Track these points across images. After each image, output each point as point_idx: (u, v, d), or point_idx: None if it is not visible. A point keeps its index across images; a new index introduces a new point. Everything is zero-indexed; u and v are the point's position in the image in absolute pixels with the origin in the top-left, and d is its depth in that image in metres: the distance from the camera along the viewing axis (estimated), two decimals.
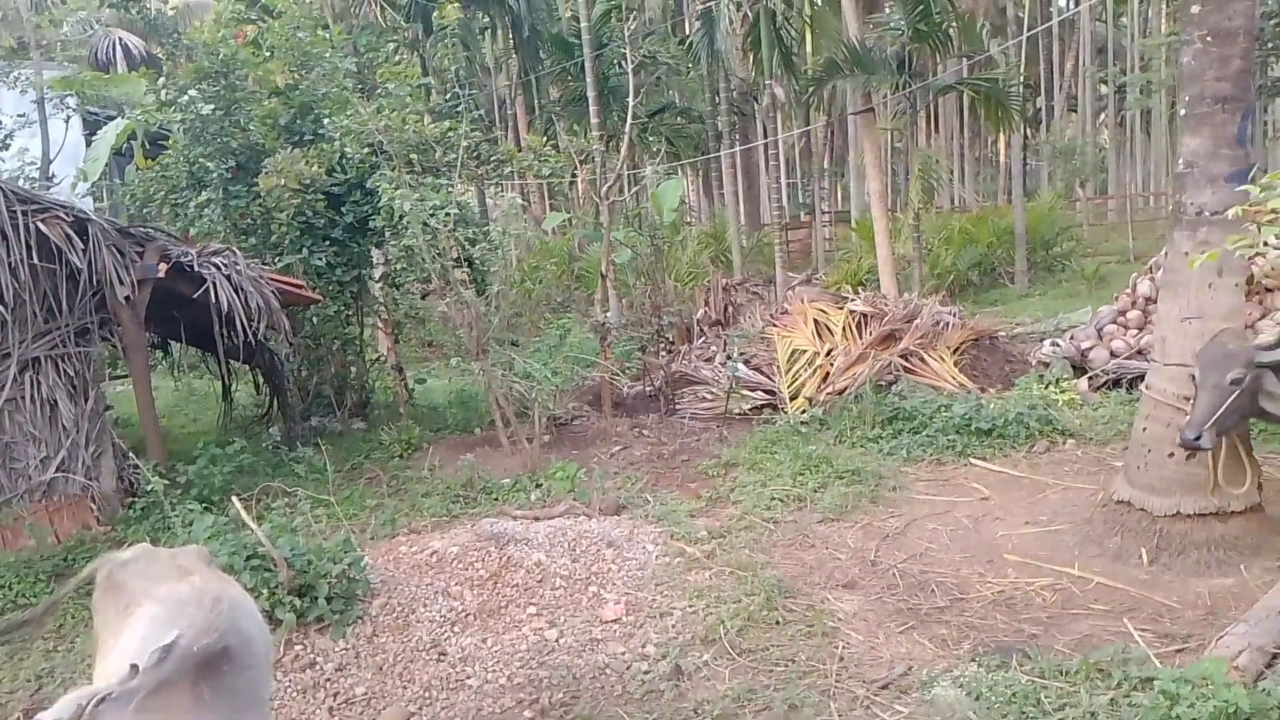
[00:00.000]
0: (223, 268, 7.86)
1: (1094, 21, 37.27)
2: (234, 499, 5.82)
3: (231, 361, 10.62)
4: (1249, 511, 5.59)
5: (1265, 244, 7.79)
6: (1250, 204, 3.49)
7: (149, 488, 6.61)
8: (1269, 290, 9.59)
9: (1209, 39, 5.49)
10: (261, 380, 10.95)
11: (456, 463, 8.21)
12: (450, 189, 9.11)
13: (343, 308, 10.37)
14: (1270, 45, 17.67)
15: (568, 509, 7.02)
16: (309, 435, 9.64)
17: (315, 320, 10.17)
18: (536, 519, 6.80)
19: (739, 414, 10.12)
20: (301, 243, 9.74)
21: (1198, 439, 5.14)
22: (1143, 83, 26.39)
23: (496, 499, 7.62)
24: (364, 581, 5.55)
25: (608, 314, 11.89)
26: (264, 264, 8.96)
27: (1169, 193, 6.08)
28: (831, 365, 10.18)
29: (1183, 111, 5.71)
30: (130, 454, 7.80)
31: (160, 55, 19.05)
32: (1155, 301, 9.30)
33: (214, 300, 7.65)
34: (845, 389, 9.68)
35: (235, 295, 7.73)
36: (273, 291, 8.07)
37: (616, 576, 5.88)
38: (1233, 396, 5.11)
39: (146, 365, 8.64)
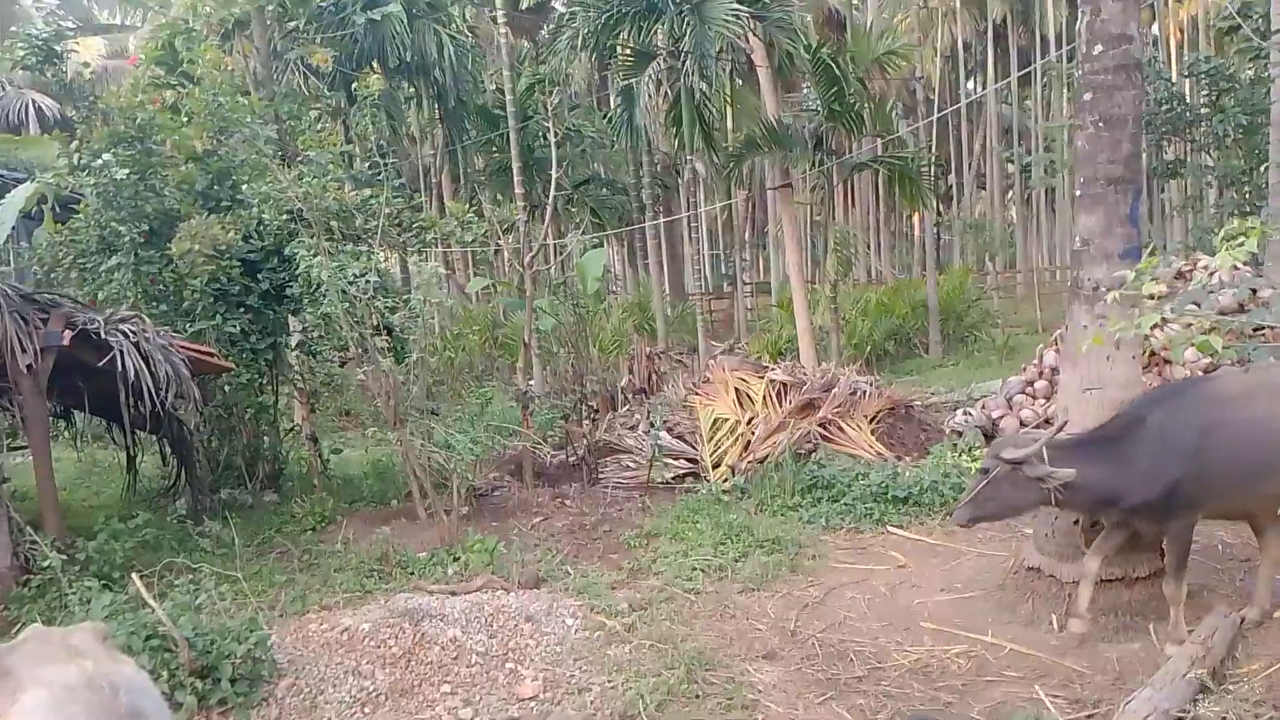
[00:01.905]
0: (130, 335, 7.62)
1: (1000, 104, 39.17)
2: (134, 576, 5.58)
3: (138, 432, 10.26)
4: (1153, 576, 5.76)
5: (1162, 319, 8.15)
6: (1129, 291, 3.67)
7: (45, 564, 6.30)
8: (1167, 362, 10.02)
9: (1100, 125, 5.81)
10: (169, 451, 10.57)
11: (371, 536, 8.00)
12: (371, 256, 9.04)
13: (256, 376, 10.13)
14: (1163, 129, 18.75)
15: (486, 583, 6.88)
16: (218, 508, 9.31)
17: (227, 389, 9.90)
18: (453, 594, 6.65)
19: (662, 483, 10.11)
20: (214, 309, 9.52)
21: (961, 517, 5.50)
22: (1046, 162, 27.66)
23: (412, 573, 7.43)
24: (270, 661, 5.34)
25: (530, 382, 11.85)
26: (175, 331, 8.73)
27: (1071, 269, 6.34)
28: (753, 434, 10.28)
29: (1078, 192, 6.00)
30: (27, 529, 7.42)
31: (75, 118, 18.68)
32: (1059, 372, 9.63)
33: (120, 369, 7.41)
34: (766, 457, 9.77)
35: (143, 363, 7.49)
36: (183, 359, 7.84)
37: (534, 652, 5.77)
38: (982, 483, 5.37)
39: (47, 436, 8.28)
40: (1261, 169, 15.65)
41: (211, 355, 8.76)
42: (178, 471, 10.33)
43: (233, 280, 9.53)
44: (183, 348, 8.07)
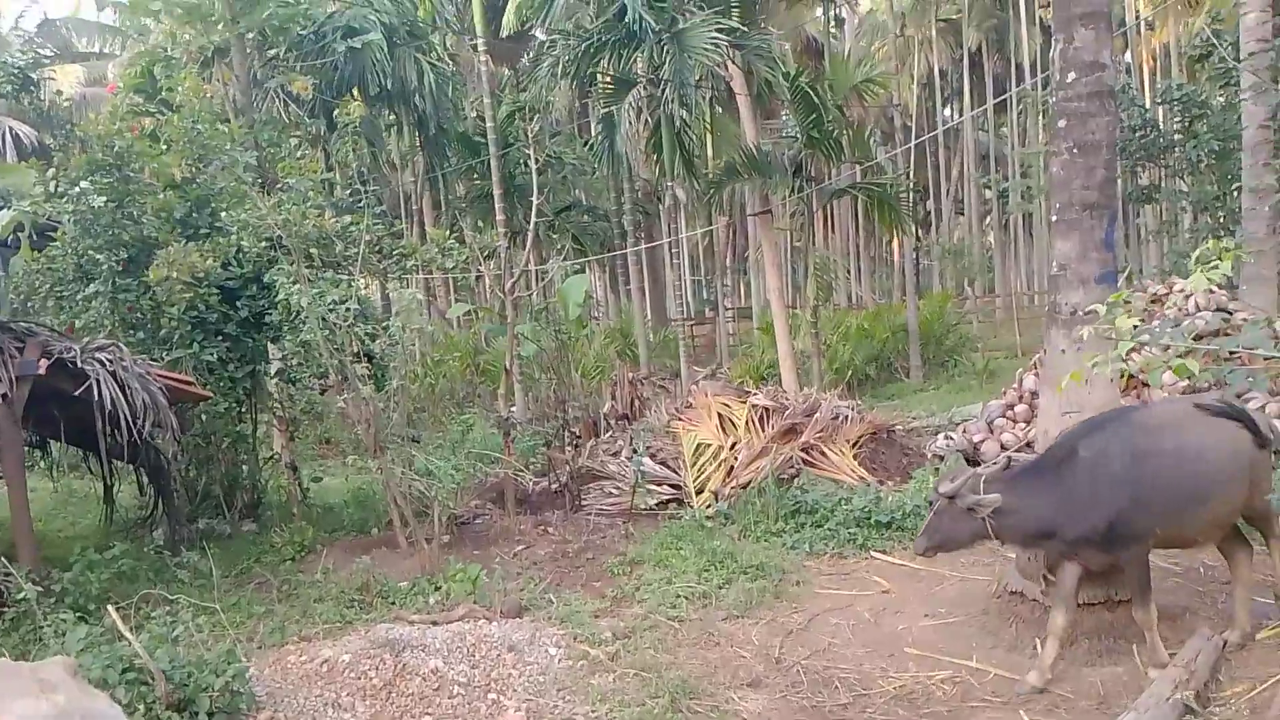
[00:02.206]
0: (107, 363, 7.54)
1: (977, 131, 39.61)
2: (110, 608, 5.49)
3: (115, 461, 10.14)
4: None
5: (1139, 345, 8.22)
6: (1104, 323, 3.70)
7: (20, 596, 6.19)
8: (1145, 385, 10.10)
9: (1075, 151, 5.89)
10: (146, 481, 10.45)
11: (352, 565, 7.91)
12: (351, 283, 9.01)
13: (235, 404, 10.06)
14: (1137, 155, 18.99)
15: (467, 612, 6.81)
16: (195, 538, 9.18)
17: (205, 417, 9.82)
18: (434, 623, 6.58)
19: (645, 509, 10.07)
20: (192, 337, 9.46)
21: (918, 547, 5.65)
22: (1023, 188, 27.94)
23: (393, 603, 7.35)
24: (248, 694, 5.25)
25: (512, 409, 11.81)
26: (152, 359, 8.66)
27: (1048, 293, 6.39)
28: (735, 459, 10.26)
29: (1054, 217, 6.07)
30: (1, 560, 7.30)
31: (53, 146, 18.61)
32: (1039, 396, 9.69)
33: (97, 397, 7.33)
34: (749, 483, 9.75)
35: (120, 392, 7.42)
36: (160, 388, 7.76)
37: (517, 682, 5.71)
38: (931, 515, 5.56)
39: (22, 466, 8.18)
40: (1234, 193, 15.85)
41: (189, 384, 8.69)
42: (155, 501, 10.21)
43: (211, 308, 9.49)
44: (160, 376, 8.00)
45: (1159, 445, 5.30)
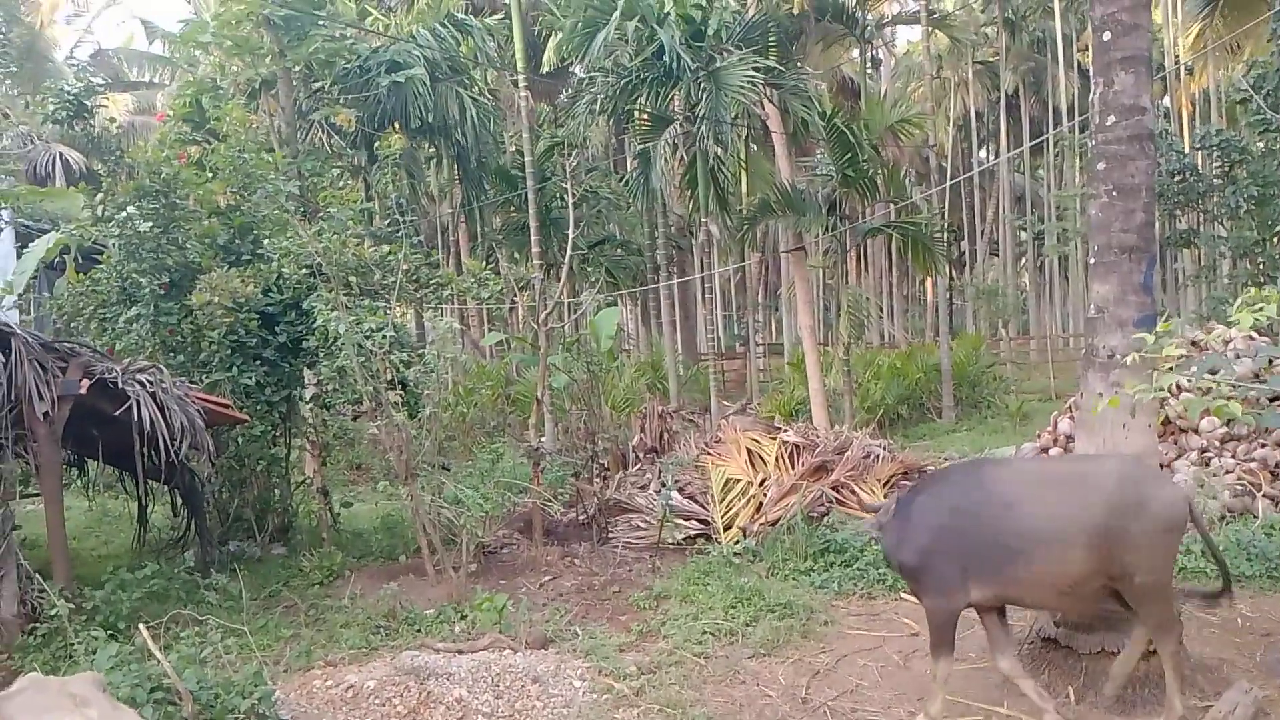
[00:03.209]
0: (147, 385, 7.69)
1: (1012, 173, 39.53)
2: (141, 627, 5.55)
3: (150, 482, 10.28)
4: None
5: (1177, 386, 8.12)
6: (1148, 352, 3.67)
7: (53, 613, 6.28)
8: (1183, 431, 9.96)
9: (1114, 193, 5.86)
10: (180, 502, 10.57)
11: (379, 592, 7.94)
12: (388, 311, 9.13)
13: (270, 428, 10.17)
14: (1176, 200, 18.88)
15: (493, 642, 6.81)
16: (226, 560, 9.27)
17: (240, 440, 9.94)
18: (460, 652, 6.58)
19: (672, 544, 10.03)
20: (231, 361, 9.61)
21: None
22: (1059, 230, 27.82)
23: (419, 630, 7.37)
24: (274, 717, 5.27)
25: (542, 439, 11.83)
26: (191, 382, 8.80)
27: (1085, 336, 6.35)
28: (764, 495, 10.20)
29: (1092, 260, 6.02)
30: (36, 576, 7.41)
31: (101, 172, 19.07)
32: (1074, 439, 9.58)
33: (136, 418, 7.45)
34: (778, 520, 9.68)
35: (159, 413, 7.54)
36: (198, 410, 7.89)
37: (541, 714, 5.69)
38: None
39: (60, 485, 8.32)
40: (1275, 240, 15.72)
41: (227, 406, 8.82)
42: (187, 523, 10.31)
43: (250, 332, 9.64)
44: (199, 398, 8.13)
45: (982, 500, 5.27)
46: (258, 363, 9.82)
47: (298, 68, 16.46)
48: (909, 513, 5.45)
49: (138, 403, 7.48)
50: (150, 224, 9.66)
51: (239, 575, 7.95)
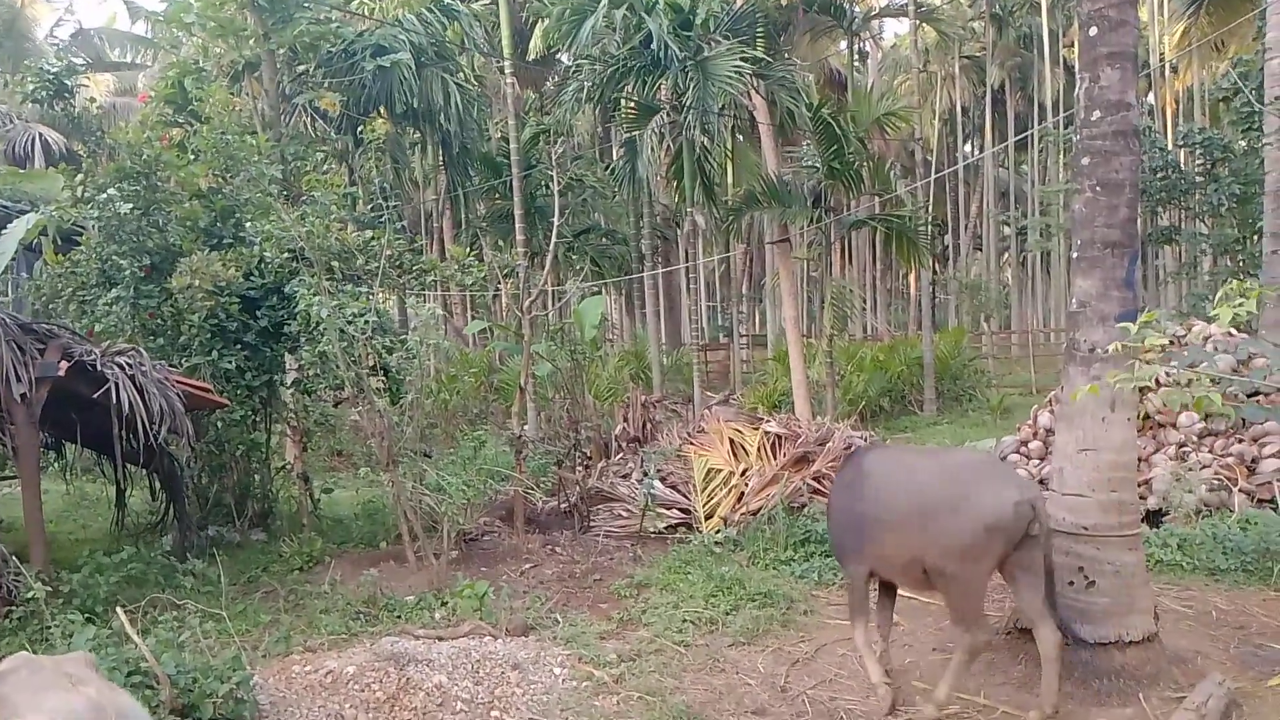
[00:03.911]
0: (126, 368, 7.61)
1: (997, 168, 39.67)
2: (118, 610, 5.51)
3: (128, 466, 10.21)
4: (1146, 641, 5.71)
5: (1156, 381, 8.18)
6: (1130, 343, 3.69)
7: (29, 596, 6.23)
8: (1161, 426, 10.05)
9: (1098, 189, 5.89)
10: (158, 486, 10.50)
11: (359, 578, 7.91)
12: (370, 297, 9.07)
13: (250, 413, 10.11)
14: (1158, 197, 19.01)
15: (473, 629, 6.81)
16: (205, 545, 9.23)
17: (220, 425, 9.88)
18: (440, 639, 6.57)
19: (654, 533, 10.05)
20: (212, 345, 9.54)
21: None
22: (1042, 226, 27.98)
23: (399, 617, 7.35)
24: (252, 702, 5.25)
25: (525, 427, 11.81)
26: (171, 365, 8.73)
27: (1067, 330, 6.40)
28: (746, 485, 10.23)
29: (1075, 255, 6.05)
30: (12, 559, 7.34)
31: (81, 153, 18.85)
32: (1054, 433, 9.66)
33: (115, 401, 7.38)
34: (759, 510, 9.72)
35: (138, 397, 7.48)
36: (178, 394, 7.82)
37: (521, 701, 5.69)
38: None
39: (37, 467, 8.24)
40: (1255, 238, 15.84)
41: (207, 391, 8.75)
42: (166, 507, 10.26)
43: (231, 317, 9.57)
44: (178, 382, 8.06)
45: (860, 479, 5.79)
46: (238, 347, 9.75)
47: (282, 50, 16.32)
48: (832, 489, 6.22)
49: (116, 386, 7.41)
50: (131, 206, 9.55)
51: (218, 560, 7.91)
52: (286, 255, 9.41)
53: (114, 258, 9.61)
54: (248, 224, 9.82)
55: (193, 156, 10.71)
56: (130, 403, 7.38)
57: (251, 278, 9.74)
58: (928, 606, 7.33)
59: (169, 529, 10.07)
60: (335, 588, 7.97)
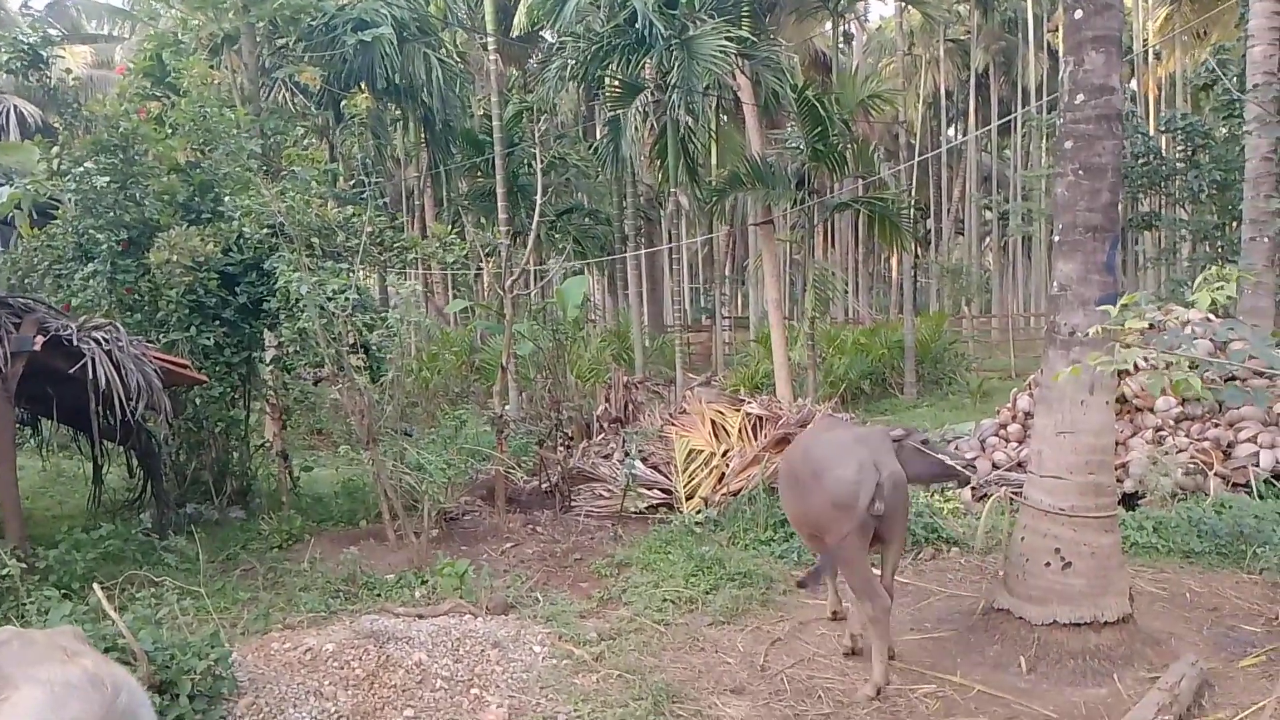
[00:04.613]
0: (103, 343, 7.52)
1: (980, 152, 39.74)
2: (95, 587, 5.47)
3: (105, 442, 10.12)
4: (1120, 622, 5.77)
5: (1135, 365, 8.24)
6: (1109, 326, 3.71)
7: (4, 572, 6.17)
8: (1139, 410, 10.13)
9: (1080, 173, 5.90)
10: (136, 463, 10.42)
11: (339, 556, 7.89)
12: (351, 273, 9.01)
13: (229, 390, 10.03)
14: (1139, 182, 19.10)
15: (453, 607, 6.81)
16: (183, 523, 9.17)
17: (198, 402, 9.79)
18: (420, 617, 6.57)
19: (635, 513, 10.07)
20: (190, 321, 9.45)
21: None
22: (1024, 210, 28.07)
23: (379, 595, 7.34)
24: (230, 679, 5.23)
25: (506, 407, 11.79)
26: (148, 341, 8.64)
27: (1047, 314, 6.44)
28: (727, 466, 10.26)
29: (1056, 238, 6.07)
30: None
31: (57, 125, 18.58)
32: (1033, 416, 9.73)
33: (91, 377, 7.30)
34: (740, 490, 9.75)
35: (115, 372, 7.39)
36: (155, 370, 7.73)
37: (500, 678, 5.70)
38: None
39: (13, 443, 8.17)
40: (1235, 225, 15.95)
41: (185, 367, 8.67)
42: (144, 484, 10.19)
43: (210, 292, 9.48)
44: (156, 358, 7.97)
45: (791, 451, 6.49)
46: (217, 323, 9.66)
47: (262, 23, 16.06)
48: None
49: (93, 361, 7.32)
50: (108, 179, 9.42)
51: (196, 538, 7.88)
52: (266, 231, 9.31)
53: (91, 231, 9.49)
54: (226, 199, 9.71)
55: (171, 130, 10.56)
56: (107, 378, 7.30)
57: (230, 253, 9.64)
58: (905, 587, 7.40)
59: (147, 506, 10.00)
60: (315, 566, 7.95)
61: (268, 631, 6.46)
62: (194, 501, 10.00)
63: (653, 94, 16.92)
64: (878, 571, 5.92)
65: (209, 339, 9.52)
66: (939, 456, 6.23)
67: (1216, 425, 9.78)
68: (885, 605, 5.54)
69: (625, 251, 22.63)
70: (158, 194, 9.87)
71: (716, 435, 10.75)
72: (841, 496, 5.48)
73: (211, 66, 14.73)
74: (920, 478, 6.56)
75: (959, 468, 6.21)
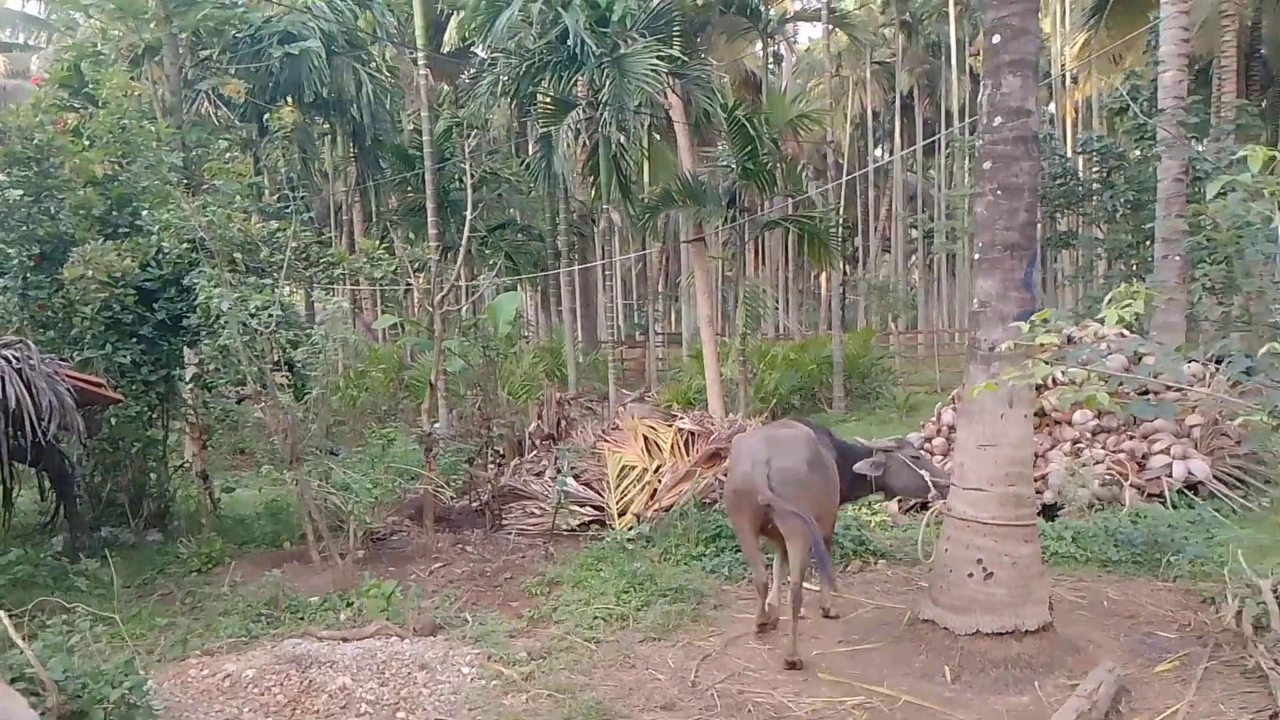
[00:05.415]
0: (13, 361, 7.25)
1: (905, 172, 40.68)
2: (1, 614, 5.24)
3: (15, 463, 9.74)
4: (1041, 630, 5.90)
5: (1053, 379, 8.46)
6: (1023, 341, 3.81)
7: None
8: (1057, 423, 10.41)
9: (999, 193, 6.06)
10: (48, 485, 10.05)
11: (261, 579, 7.70)
12: (275, 289, 8.83)
13: (146, 409, 9.74)
14: (1057, 202, 19.70)
15: (379, 629, 6.68)
16: (97, 547, 8.86)
17: (115, 421, 9.49)
18: (344, 640, 6.43)
19: (567, 530, 10.01)
20: (106, 338, 9.17)
21: None
22: (948, 229, 28.74)
23: (303, 618, 7.17)
24: (146, 708, 5.04)
25: (436, 424, 11.64)
26: (61, 359, 8.35)
27: (969, 330, 6.60)
28: (659, 482, 10.27)
29: (976, 256, 6.22)
30: None
31: None
32: (956, 429, 9.93)
33: (1, 396, 7.02)
34: (672, 506, 9.76)
35: (25, 391, 7.12)
36: (68, 389, 7.48)
37: (427, 701, 5.60)
38: None
39: None
40: (1148, 243, 16.51)
41: (100, 386, 8.39)
42: (56, 507, 9.84)
43: (127, 309, 9.23)
44: (70, 376, 7.71)
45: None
46: (134, 340, 9.39)
47: (185, 35, 15.76)
48: None
49: (2, 380, 7.03)
50: (21, 192, 9.14)
51: (111, 562, 7.63)
52: (186, 245, 9.09)
53: (2, 246, 9.17)
54: (145, 213, 9.46)
55: (88, 142, 10.28)
56: (17, 398, 7.03)
57: (149, 268, 9.39)
58: (834, 599, 7.47)
59: (59, 530, 9.65)
60: (236, 589, 7.74)
61: (186, 658, 6.27)
62: (109, 525, 9.69)
63: (585, 111, 16.97)
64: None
65: (125, 356, 9.25)
66: (922, 472, 6.85)
67: (1131, 437, 10.09)
68: (759, 580, 6.59)
69: (559, 267, 22.60)
70: (74, 207, 9.58)
71: (649, 451, 10.77)
72: (735, 486, 6.42)
73: (132, 77, 14.33)
74: (907, 489, 6.82)
75: (942, 483, 6.39)
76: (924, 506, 10.17)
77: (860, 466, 6.95)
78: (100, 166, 10.07)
